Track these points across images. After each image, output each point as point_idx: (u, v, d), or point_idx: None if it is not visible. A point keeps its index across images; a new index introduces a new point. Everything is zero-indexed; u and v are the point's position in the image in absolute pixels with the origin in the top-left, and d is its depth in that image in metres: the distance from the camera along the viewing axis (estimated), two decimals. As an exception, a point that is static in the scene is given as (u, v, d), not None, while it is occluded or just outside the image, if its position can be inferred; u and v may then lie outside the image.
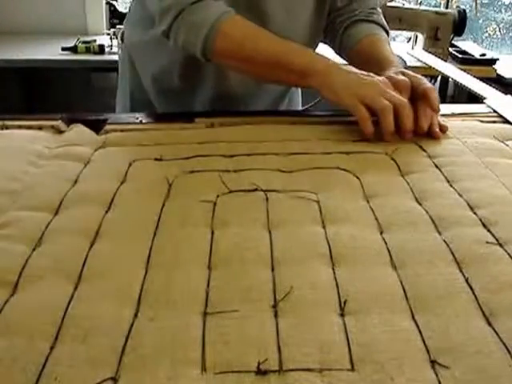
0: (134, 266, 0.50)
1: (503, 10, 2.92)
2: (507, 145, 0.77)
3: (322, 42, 1.06)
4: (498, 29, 2.91)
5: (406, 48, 2.25)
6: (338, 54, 1.03)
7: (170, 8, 0.84)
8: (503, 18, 2.89)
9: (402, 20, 2.18)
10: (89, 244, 0.53)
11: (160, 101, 1.03)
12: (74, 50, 2.22)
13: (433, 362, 0.39)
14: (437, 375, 0.38)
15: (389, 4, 2.18)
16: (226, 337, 0.41)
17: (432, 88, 0.80)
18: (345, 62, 0.98)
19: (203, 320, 0.43)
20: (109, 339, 0.41)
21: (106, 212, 0.59)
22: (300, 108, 1.17)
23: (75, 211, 0.59)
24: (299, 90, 1.16)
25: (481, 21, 2.89)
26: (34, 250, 0.52)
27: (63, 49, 2.22)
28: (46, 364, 0.39)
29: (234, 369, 0.38)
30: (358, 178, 0.67)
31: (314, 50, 1.04)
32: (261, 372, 0.38)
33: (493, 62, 2.19)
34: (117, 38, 1.98)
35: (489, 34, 2.93)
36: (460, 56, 2.20)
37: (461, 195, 0.63)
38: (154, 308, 0.45)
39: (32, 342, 0.40)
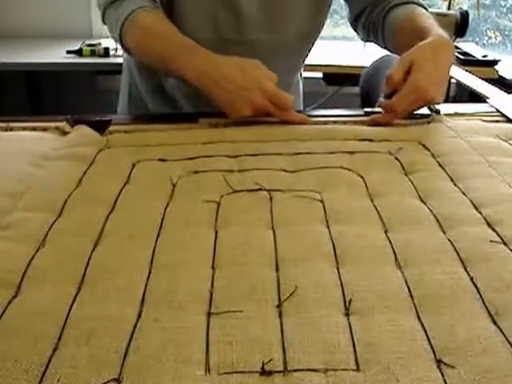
0: (137, 266, 0.50)
1: (504, 14, 2.91)
2: (511, 144, 0.77)
3: (367, 41, 1.06)
4: (498, 33, 2.91)
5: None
6: (383, 47, 1.02)
7: (99, 7, 0.91)
8: (506, 25, 2.89)
9: (404, 21, 2.18)
10: (92, 245, 0.53)
11: (150, 98, 1.04)
12: (79, 53, 2.23)
13: (438, 362, 0.39)
14: (443, 375, 0.38)
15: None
16: (230, 337, 0.41)
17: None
18: (392, 53, 1.00)
19: (207, 320, 0.43)
20: (112, 340, 0.41)
21: (110, 212, 0.59)
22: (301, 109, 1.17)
23: (79, 212, 0.59)
24: (300, 90, 1.15)
25: (482, 24, 2.88)
26: (37, 250, 0.52)
27: (68, 52, 2.23)
28: (48, 365, 0.38)
29: (238, 369, 0.38)
30: (361, 177, 0.67)
31: (309, 49, 1.05)
32: (265, 372, 0.38)
33: (494, 63, 2.19)
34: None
35: (489, 37, 2.92)
36: (462, 57, 2.20)
37: (465, 194, 0.62)
38: (157, 308, 0.44)
39: (35, 344, 0.40)
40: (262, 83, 0.79)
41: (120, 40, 0.89)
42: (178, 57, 0.83)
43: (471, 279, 0.48)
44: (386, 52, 1.07)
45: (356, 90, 1.79)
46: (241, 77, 0.79)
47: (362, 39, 1.08)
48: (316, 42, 1.05)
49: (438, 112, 0.87)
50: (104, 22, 0.93)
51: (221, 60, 0.82)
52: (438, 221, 0.57)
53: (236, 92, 0.79)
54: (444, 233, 0.55)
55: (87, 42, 2.31)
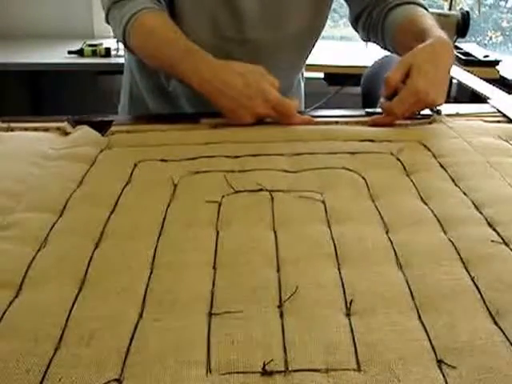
0: (138, 266, 0.50)
1: (505, 14, 2.91)
2: (512, 144, 0.77)
3: (367, 41, 1.06)
4: (499, 33, 2.91)
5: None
6: (383, 47, 1.02)
7: (103, 7, 0.91)
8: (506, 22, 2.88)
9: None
10: (94, 245, 0.53)
11: (151, 98, 1.04)
12: (80, 53, 2.23)
13: (439, 362, 0.39)
14: (443, 375, 0.38)
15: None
16: (231, 337, 0.41)
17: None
18: (392, 53, 1.01)
19: (208, 320, 0.43)
20: (113, 340, 0.41)
21: (111, 213, 0.59)
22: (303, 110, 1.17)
23: (80, 212, 0.59)
24: (302, 91, 1.16)
25: (483, 24, 2.88)
26: (38, 251, 0.52)
27: (70, 52, 2.23)
28: (50, 366, 0.39)
29: (240, 369, 0.38)
30: (363, 177, 0.67)
31: (310, 49, 1.05)
32: (266, 373, 0.38)
33: (496, 63, 2.19)
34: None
35: (490, 38, 2.92)
36: (463, 57, 2.20)
37: (466, 194, 0.62)
38: (158, 309, 0.44)
39: (36, 344, 0.40)
40: (265, 91, 0.79)
41: (123, 40, 0.89)
42: (182, 62, 0.83)
43: (472, 279, 0.48)
44: (388, 52, 1.08)
45: (357, 89, 1.79)
46: (243, 84, 0.79)
47: (363, 39, 1.08)
48: (317, 42, 1.05)
49: (439, 112, 0.87)
50: (107, 22, 0.92)
51: (224, 67, 0.81)
52: (438, 221, 0.57)
53: (238, 100, 0.79)
54: (445, 233, 0.55)
55: (88, 42, 2.31)
